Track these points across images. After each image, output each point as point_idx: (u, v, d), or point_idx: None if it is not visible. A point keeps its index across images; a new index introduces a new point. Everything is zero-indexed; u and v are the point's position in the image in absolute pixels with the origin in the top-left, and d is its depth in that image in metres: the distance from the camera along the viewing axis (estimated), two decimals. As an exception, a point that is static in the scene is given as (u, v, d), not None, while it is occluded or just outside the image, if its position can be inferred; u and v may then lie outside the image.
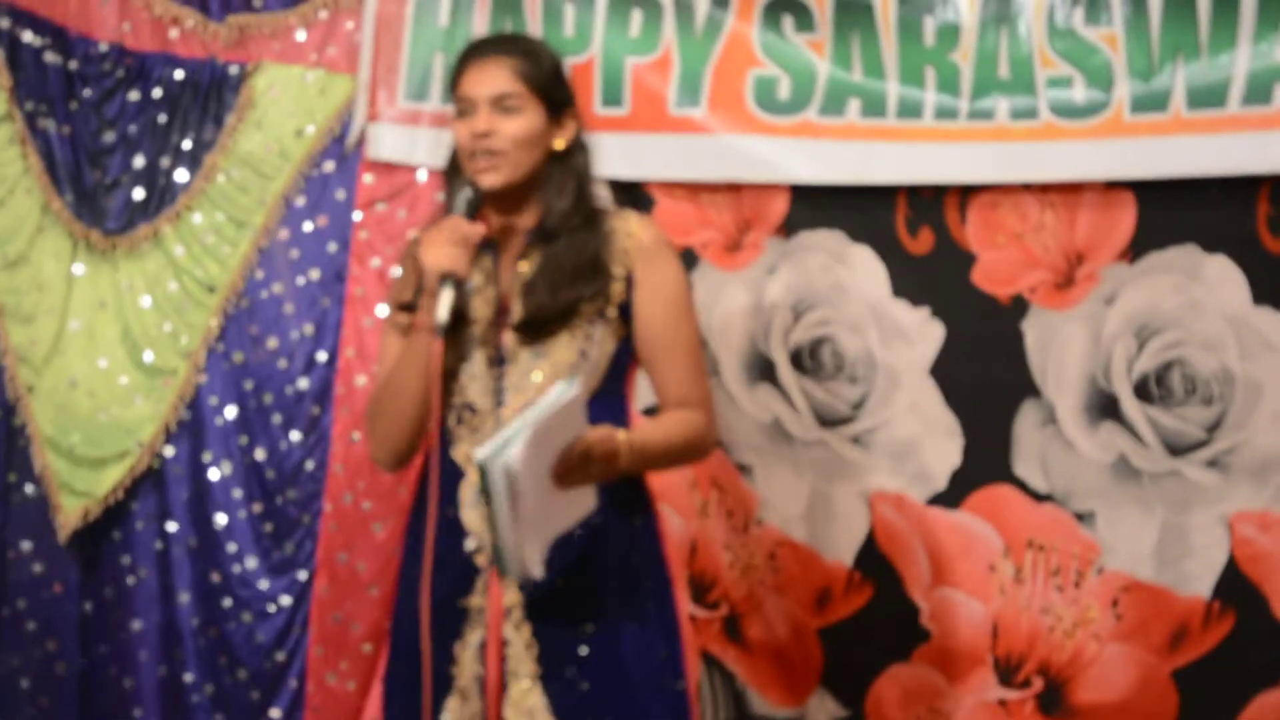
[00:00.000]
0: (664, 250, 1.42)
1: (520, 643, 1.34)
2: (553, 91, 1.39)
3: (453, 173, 1.41)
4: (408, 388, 1.34)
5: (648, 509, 1.43)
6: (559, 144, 1.39)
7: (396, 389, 1.36)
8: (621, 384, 1.42)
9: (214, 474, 2.01)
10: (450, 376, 1.37)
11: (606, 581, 1.36)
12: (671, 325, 1.38)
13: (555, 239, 1.37)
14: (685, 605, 1.46)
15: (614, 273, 1.38)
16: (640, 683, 1.36)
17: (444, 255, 1.30)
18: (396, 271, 1.97)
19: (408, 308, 1.37)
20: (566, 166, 1.39)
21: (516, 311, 1.37)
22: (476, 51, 1.41)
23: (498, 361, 1.37)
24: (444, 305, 1.29)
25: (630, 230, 1.41)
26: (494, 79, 1.36)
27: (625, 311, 1.39)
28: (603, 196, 1.47)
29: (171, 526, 2.01)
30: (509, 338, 1.38)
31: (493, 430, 1.32)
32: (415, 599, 1.36)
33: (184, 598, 2.01)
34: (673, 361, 1.39)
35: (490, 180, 1.35)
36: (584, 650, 1.34)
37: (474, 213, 1.34)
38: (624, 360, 1.41)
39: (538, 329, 1.36)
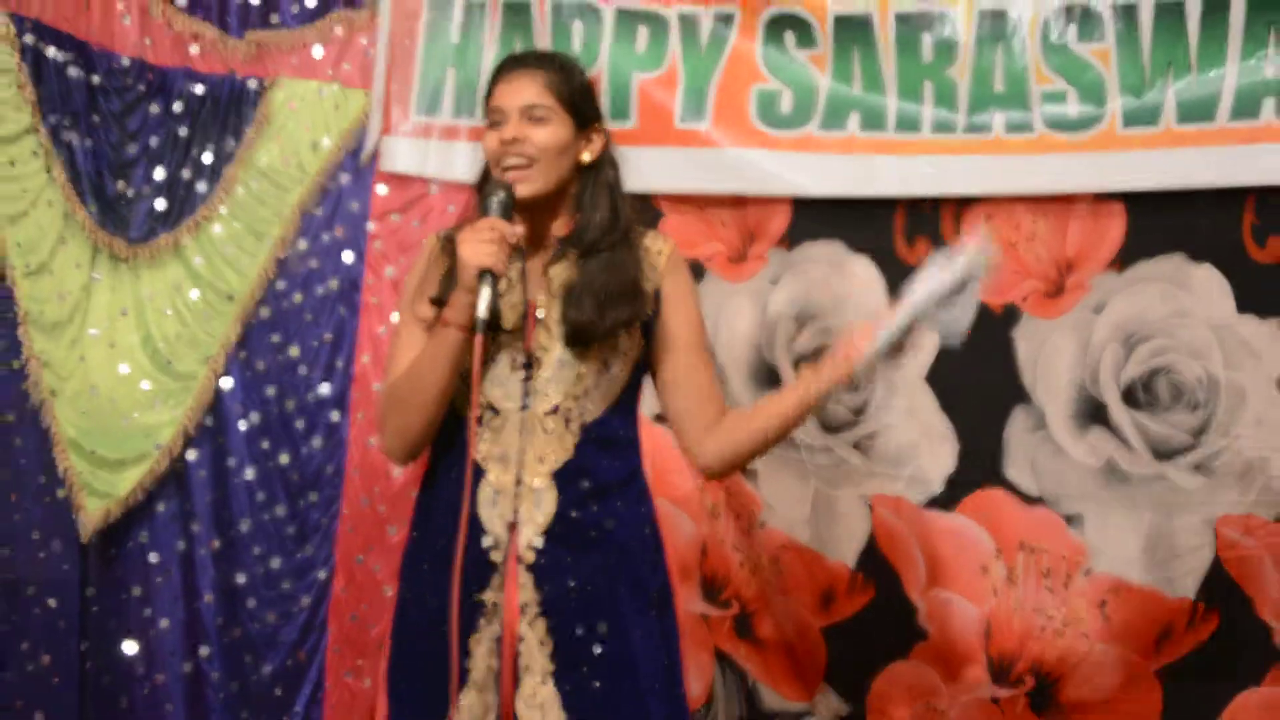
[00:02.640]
0: (684, 265, 1.39)
1: (534, 639, 1.30)
2: (581, 105, 1.34)
3: (483, 184, 1.36)
4: (430, 381, 1.28)
5: (654, 519, 1.38)
6: (586, 156, 1.35)
7: (417, 382, 1.30)
8: (635, 396, 1.37)
9: (238, 478, 1.96)
10: (469, 376, 1.31)
11: (618, 585, 1.32)
12: (698, 337, 1.36)
13: (593, 252, 1.33)
14: (684, 618, 1.41)
15: (645, 289, 1.34)
16: (648, 686, 1.31)
17: (483, 252, 1.25)
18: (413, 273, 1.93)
19: (437, 302, 1.31)
20: (598, 180, 1.35)
21: (554, 319, 1.32)
22: (510, 65, 1.37)
23: (524, 365, 1.31)
24: (484, 301, 1.24)
25: (658, 247, 1.37)
26: (524, 91, 1.32)
27: (645, 326, 1.34)
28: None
29: (195, 528, 1.96)
30: (536, 342, 1.32)
31: (518, 433, 1.30)
32: (422, 593, 1.31)
33: (208, 597, 1.96)
34: (706, 370, 1.35)
35: (524, 189, 1.30)
36: (598, 649, 1.30)
37: (507, 214, 1.29)
38: (640, 374, 1.36)
39: (583, 344, 1.31)
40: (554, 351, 1.31)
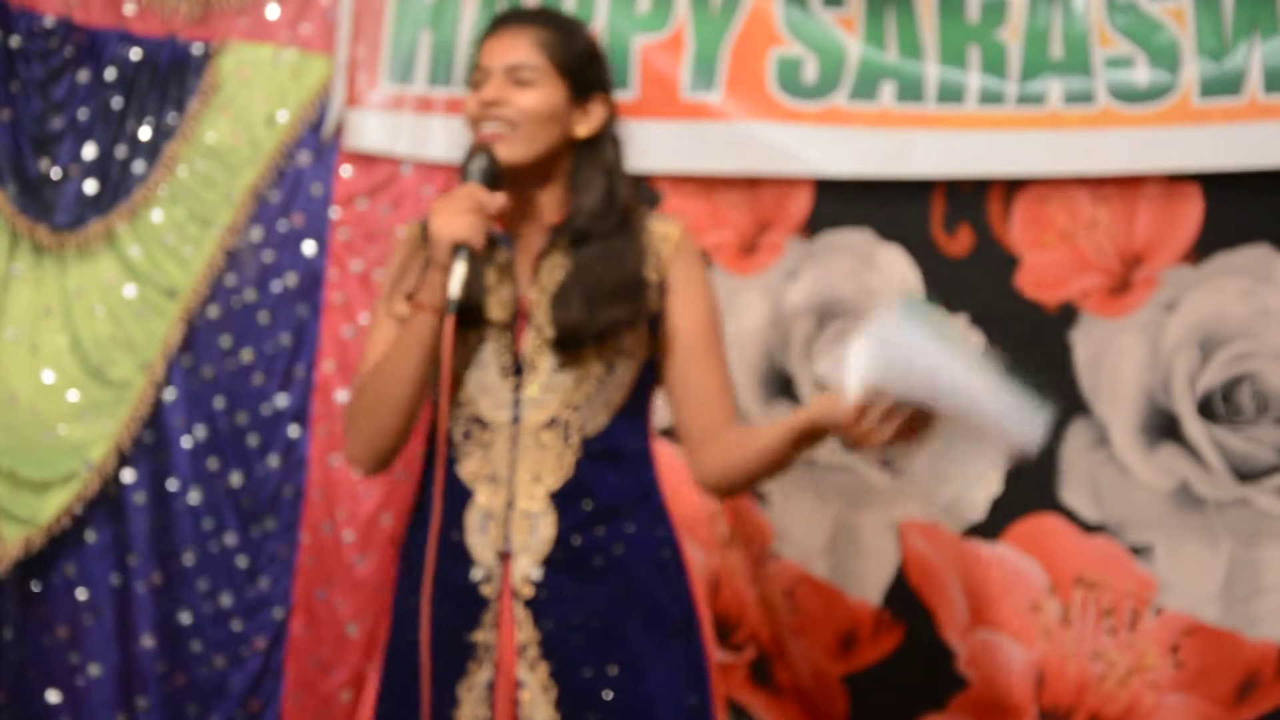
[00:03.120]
0: (696, 254, 1.24)
1: (536, 685, 1.17)
2: (580, 71, 1.20)
3: (468, 163, 1.20)
4: (401, 375, 1.15)
5: (673, 541, 1.22)
6: (582, 130, 1.20)
7: (388, 377, 1.17)
8: (645, 401, 1.23)
9: (181, 502, 1.73)
10: (457, 383, 1.19)
11: (630, 618, 1.17)
12: (707, 334, 1.22)
13: (585, 242, 1.20)
14: (713, 648, 1.24)
15: (649, 281, 1.20)
16: None
17: (457, 223, 1.12)
18: (377, 276, 1.72)
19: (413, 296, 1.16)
20: (594, 160, 1.21)
21: (544, 320, 1.19)
22: (501, 22, 1.23)
23: (514, 371, 1.18)
24: (456, 278, 1.12)
25: (665, 233, 1.23)
26: (513, 49, 1.19)
27: (653, 322, 1.21)
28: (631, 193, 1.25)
29: (132, 560, 1.73)
30: (528, 344, 1.19)
31: (509, 449, 1.18)
32: (403, 633, 1.16)
33: (147, 641, 1.72)
34: (715, 372, 1.22)
35: (504, 153, 1.16)
36: (608, 695, 1.16)
37: (490, 183, 1.16)
38: (649, 376, 1.23)
39: (573, 348, 1.18)
40: (547, 355, 1.18)
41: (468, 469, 1.18)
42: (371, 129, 1.75)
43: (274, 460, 1.73)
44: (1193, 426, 1.56)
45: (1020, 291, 1.61)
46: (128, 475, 1.73)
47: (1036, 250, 1.61)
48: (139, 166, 1.74)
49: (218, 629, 1.72)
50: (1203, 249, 1.56)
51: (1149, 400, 1.58)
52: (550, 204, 1.20)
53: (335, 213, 1.76)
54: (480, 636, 1.16)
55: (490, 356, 1.18)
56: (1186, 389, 1.56)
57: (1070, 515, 1.59)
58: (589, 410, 1.18)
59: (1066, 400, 1.58)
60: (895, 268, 1.65)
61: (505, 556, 1.16)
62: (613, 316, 1.16)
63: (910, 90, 1.62)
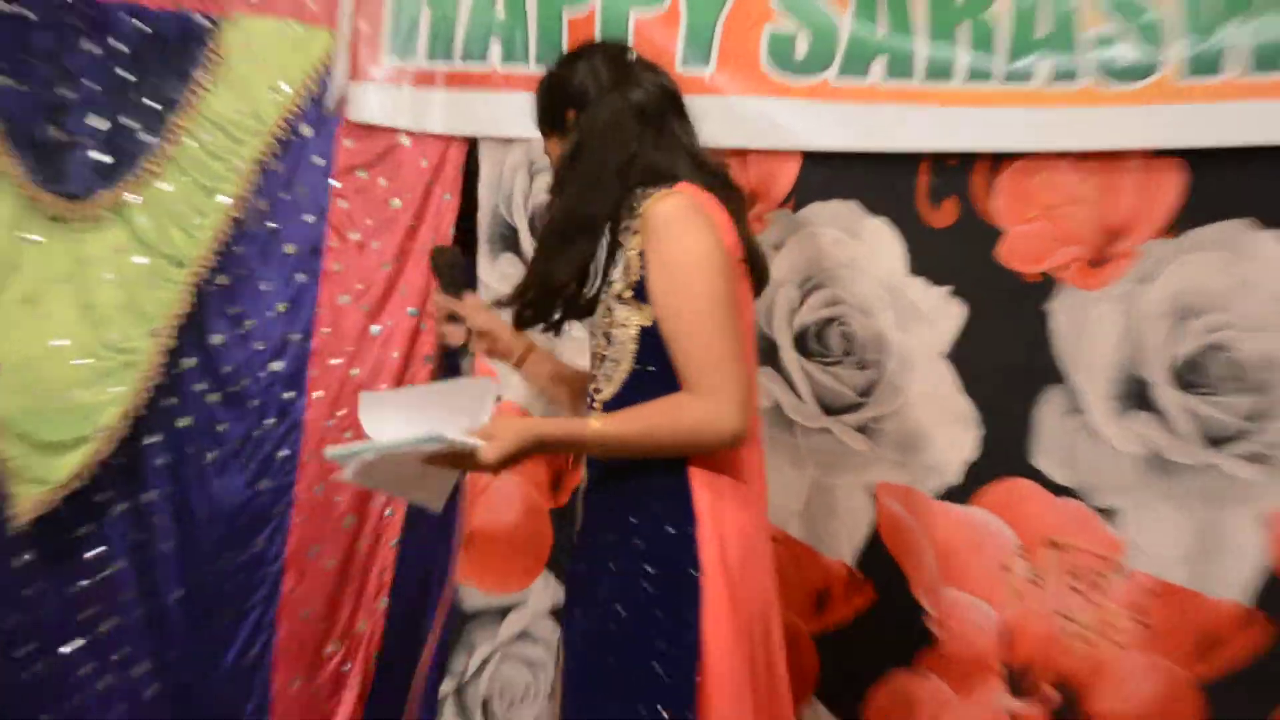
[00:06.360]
0: (672, 225, 1.15)
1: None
2: (551, 118, 1.26)
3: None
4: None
5: (687, 521, 1.12)
6: (568, 146, 1.23)
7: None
8: (658, 361, 1.15)
9: (192, 464, 1.65)
10: None
11: (606, 565, 1.14)
12: (673, 306, 1.14)
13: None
14: (724, 647, 1.10)
15: (630, 244, 1.16)
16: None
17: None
18: (374, 245, 1.67)
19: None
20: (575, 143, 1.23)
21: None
22: None
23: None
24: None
25: (642, 208, 1.16)
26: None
27: (641, 290, 1.15)
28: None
29: (147, 519, 1.66)
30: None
31: None
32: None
33: (161, 592, 1.66)
34: (676, 345, 1.14)
35: None
36: (578, 613, 1.19)
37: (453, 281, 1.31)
38: (652, 338, 1.16)
39: (527, 306, 1.19)
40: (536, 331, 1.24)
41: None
42: (373, 102, 1.66)
43: (269, 423, 1.65)
44: (1165, 394, 1.46)
45: (1002, 263, 1.50)
46: (142, 438, 1.65)
47: (1019, 223, 1.50)
48: (147, 137, 1.64)
49: (222, 583, 1.66)
50: (1182, 223, 1.44)
51: (1123, 369, 1.48)
52: None
53: (335, 184, 1.66)
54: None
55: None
56: (1161, 358, 1.46)
57: (1042, 479, 1.49)
58: (603, 380, 1.19)
59: (1042, 368, 1.48)
60: (880, 239, 1.54)
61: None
62: (526, 314, 1.21)
63: (900, 67, 1.50)
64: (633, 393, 1.16)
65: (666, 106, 1.22)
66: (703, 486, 1.13)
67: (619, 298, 1.16)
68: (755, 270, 1.22)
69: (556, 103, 1.24)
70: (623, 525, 1.14)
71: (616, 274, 1.17)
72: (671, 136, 1.21)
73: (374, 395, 1.18)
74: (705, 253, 1.13)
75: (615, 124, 1.19)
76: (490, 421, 1.11)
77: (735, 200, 1.22)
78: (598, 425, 1.13)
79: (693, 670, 1.07)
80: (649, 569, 1.12)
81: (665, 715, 1.06)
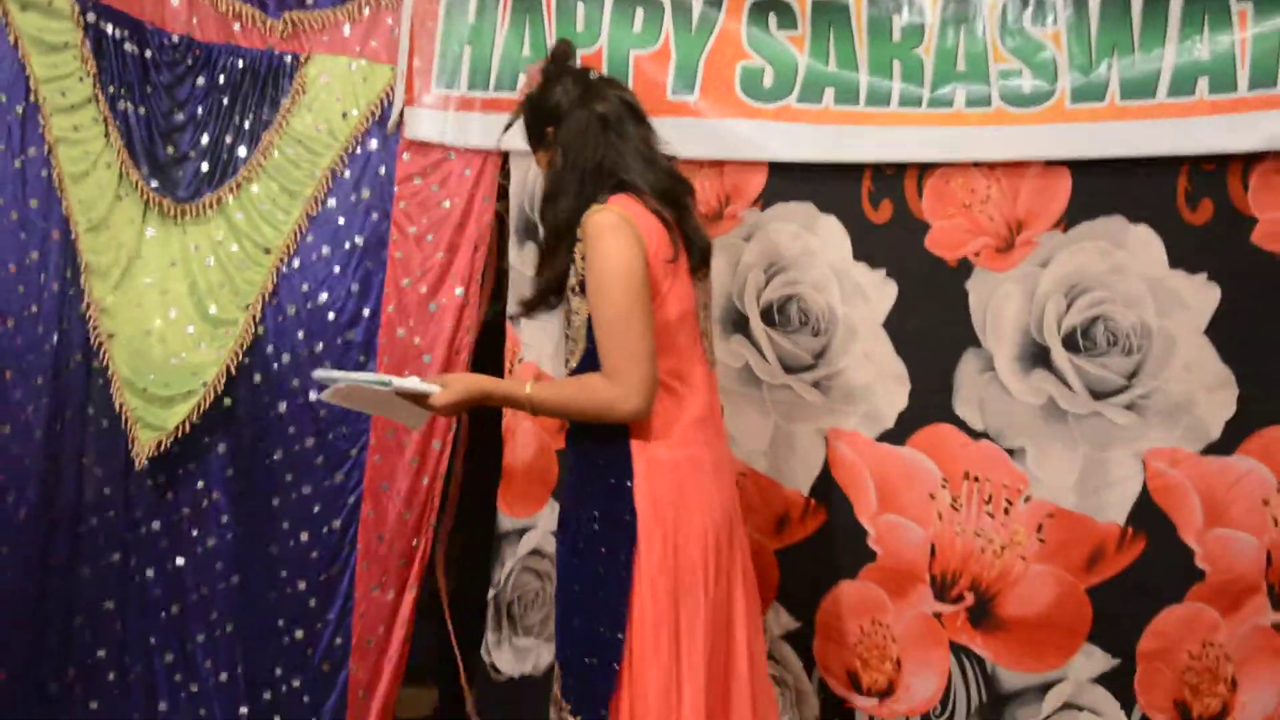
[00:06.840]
0: (602, 236, 1.31)
1: None
2: (536, 134, 1.40)
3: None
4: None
5: (625, 475, 1.32)
6: (554, 159, 1.38)
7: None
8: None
9: (273, 413, 1.93)
10: None
11: (573, 506, 1.36)
12: (596, 305, 1.31)
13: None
14: (653, 589, 1.29)
15: (578, 248, 1.32)
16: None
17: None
18: (429, 238, 1.94)
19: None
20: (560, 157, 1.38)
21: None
22: None
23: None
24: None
25: (586, 216, 1.33)
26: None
27: (584, 287, 1.33)
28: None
29: (240, 458, 1.93)
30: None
31: None
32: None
33: (249, 518, 1.94)
34: (597, 336, 1.32)
35: None
36: (559, 541, 1.39)
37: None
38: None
39: (541, 302, 1.37)
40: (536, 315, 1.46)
41: None
42: (424, 123, 1.93)
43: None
44: (1059, 356, 1.73)
45: (929, 250, 1.77)
46: (234, 390, 1.92)
47: (942, 219, 1.77)
48: (242, 151, 1.94)
49: (302, 510, 1.93)
50: (1071, 219, 1.71)
51: (1025, 335, 1.74)
52: None
53: (396, 189, 1.95)
54: None
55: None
56: (1055, 327, 1.73)
57: (961, 424, 1.76)
58: (567, 354, 1.37)
59: (961, 335, 1.76)
60: (830, 232, 1.82)
61: None
62: (551, 266, 1.36)
63: (847, 95, 1.77)
64: (587, 365, 1.32)
65: (625, 114, 1.37)
66: (640, 447, 1.31)
67: (573, 290, 1.33)
68: (693, 253, 1.37)
69: (538, 121, 1.39)
70: (583, 474, 1.34)
71: (573, 270, 1.33)
72: (629, 140, 1.36)
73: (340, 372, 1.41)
74: (625, 263, 1.28)
75: (584, 132, 1.34)
76: (449, 374, 1.34)
77: (681, 191, 1.39)
78: (531, 389, 1.31)
79: (625, 597, 1.27)
80: (596, 513, 1.30)
81: (603, 631, 1.27)
